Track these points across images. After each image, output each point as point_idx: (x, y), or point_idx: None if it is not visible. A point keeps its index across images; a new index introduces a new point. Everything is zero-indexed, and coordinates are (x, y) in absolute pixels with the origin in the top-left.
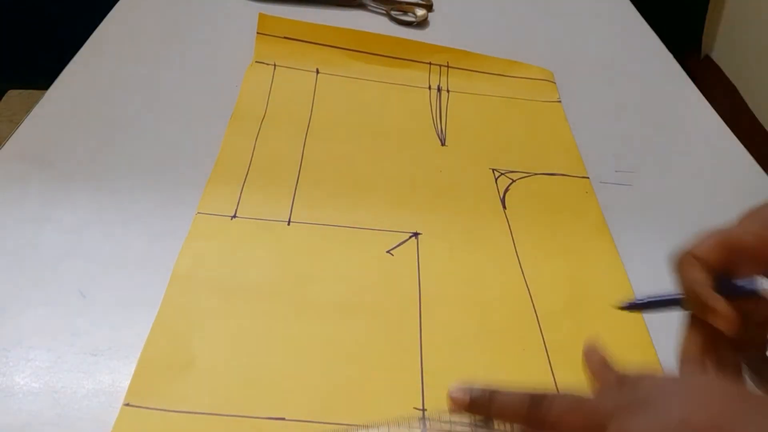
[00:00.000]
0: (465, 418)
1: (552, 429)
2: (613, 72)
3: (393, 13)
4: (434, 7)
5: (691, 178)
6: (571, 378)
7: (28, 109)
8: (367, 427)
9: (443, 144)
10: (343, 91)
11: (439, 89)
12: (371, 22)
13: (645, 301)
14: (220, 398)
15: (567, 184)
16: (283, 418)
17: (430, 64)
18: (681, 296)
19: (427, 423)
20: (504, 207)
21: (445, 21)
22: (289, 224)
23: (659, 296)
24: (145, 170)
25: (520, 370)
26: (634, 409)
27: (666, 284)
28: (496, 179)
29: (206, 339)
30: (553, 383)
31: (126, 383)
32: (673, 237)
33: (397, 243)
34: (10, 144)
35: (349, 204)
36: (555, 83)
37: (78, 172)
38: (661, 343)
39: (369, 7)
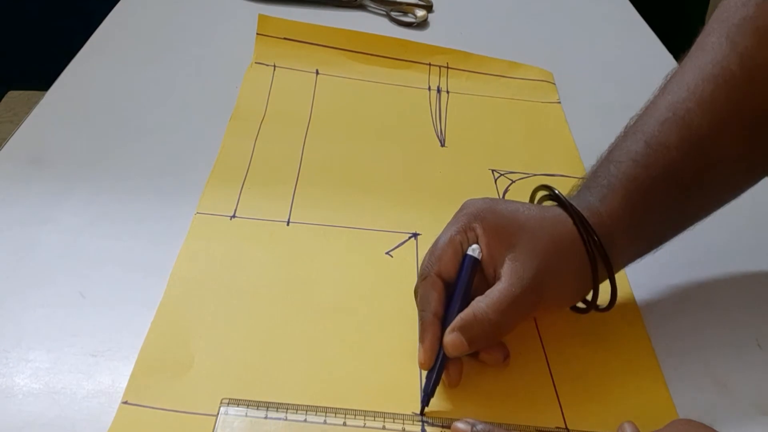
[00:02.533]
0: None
1: None
2: (613, 73)
3: (393, 13)
4: (434, 8)
5: None
6: (569, 378)
7: (28, 110)
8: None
9: (443, 145)
10: (342, 92)
11: (438, 90)
12: (371, 23)
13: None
14: (218, 398)
15: (566, 185)
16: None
17: (429, 65)
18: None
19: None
20: None
21: (445, 22)
22: (288, 224)
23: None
24: (144, 170)
25: (518, 372)
26: None
27: (666, 282)
28: (495, 180)
29: (205, 339)
30: (552, 384)
31: (126, 384)
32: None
33: (397, 244)
34: (11, 144)
35: (348, 205)
36: (554, 84)
37: (78, 173)
38: (657, 339)
39: (369, 8)
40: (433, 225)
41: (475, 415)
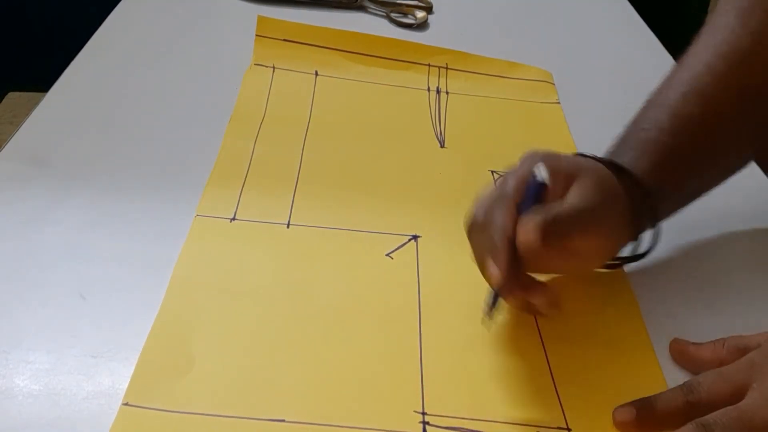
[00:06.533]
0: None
1: (707, 406)
2: (612, 73)
3: (393, 15)
4: (434, 9)
5: None
6: (571, 379)
7: (28, 111)
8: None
9: (442, 146)
10: (342, 94)
11: (438, 91)
12: (371, 24)
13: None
14: (219, 400)
15: None
16: (283, 420)
17: (429, 65)
18: None
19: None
20: None
21: (444, 23)
22: (288, 227)
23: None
24: (144, 172)
25: (520, 373)
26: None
27: (666, 282)
28: (495, 181)
29: (206, 341)
30: (552, 384)
31: (126, 385)
32: (672, 237)
33: (397, 246)
34: (11, 145)
35: (348, 206)
36: (554, 84)
37: (78, 174)
38: (658, 339)
39: (369, 9)
40: (434, 227)
41: (475, 415)
